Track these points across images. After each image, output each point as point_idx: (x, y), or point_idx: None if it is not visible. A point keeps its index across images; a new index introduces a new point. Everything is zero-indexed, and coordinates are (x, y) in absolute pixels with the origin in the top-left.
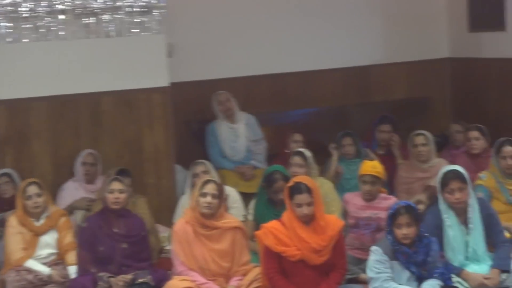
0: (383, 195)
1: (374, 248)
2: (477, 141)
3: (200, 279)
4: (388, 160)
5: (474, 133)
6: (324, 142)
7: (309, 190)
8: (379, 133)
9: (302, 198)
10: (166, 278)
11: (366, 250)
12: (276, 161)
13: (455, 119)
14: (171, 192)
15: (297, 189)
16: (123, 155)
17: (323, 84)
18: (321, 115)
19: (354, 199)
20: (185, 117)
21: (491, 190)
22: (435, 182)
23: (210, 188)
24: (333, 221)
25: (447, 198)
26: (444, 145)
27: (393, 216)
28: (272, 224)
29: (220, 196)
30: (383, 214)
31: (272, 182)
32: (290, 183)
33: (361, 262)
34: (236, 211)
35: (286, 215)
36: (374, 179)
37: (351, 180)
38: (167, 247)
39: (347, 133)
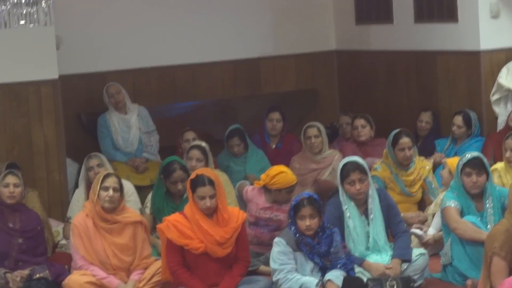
0: None
1: (277, 239)
2: (364, 128)
3: (101, 273)
4: (280, 153)
5: (360, 121)
6: (214, 135)
7: (211, 183)
8: (268, 122)
9: (204, 190)
10: (63, 273)
11: (264, 245)
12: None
13: (343, 110)
14: (62, 186)
15: (200, 181)
16: (12, 149)
17: (212, 77)
18: (211, 108)
19: (257, 198)
20: (75, 110)
21: (385, 181)
22: (324, 175)
23: (111, 182)
24: (236, 213)
25: (348, 189)
26: (334, 136)
27: (296, 207)
28: (175, 217)
29: (121, 189)
30: (283, 217)
31: (170, 172)
32: (192, 176)
33: (260, 254)
34: (132, 204)
35: (188, 208)
36: (296, 185)
37: (239, 173)
38: (62, 242)
39: (233, 132)
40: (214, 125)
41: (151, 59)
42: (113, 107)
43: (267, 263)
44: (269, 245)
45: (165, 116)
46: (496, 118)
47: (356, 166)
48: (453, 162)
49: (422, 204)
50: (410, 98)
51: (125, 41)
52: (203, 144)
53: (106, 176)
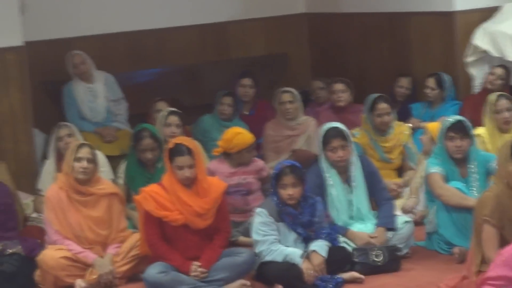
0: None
1: (259, 210)
2: (343, 93)
3: (76, 247)
4: (253, 120)
5: (339, 85)
6: (183, 101)
7: (190, 152)
8: (241, 88)
9: (183, 160)
10: (37, 247)
11: (240, 212)
12: None
13: (315, 75)
14: (30, 157)
15: (178, 151)
16: None
17: (180, 42)
18: (179, 73)
19: (221, 168)
20: (41, 78)
21: (364, 148)
22: (299, 142)
23: (85, 152)
24: (216, 183)
25: (329, 156)
26: (305, 102)
27: (278, 176)
28: (152, 188)
29: (95, 160)
30: (251, 178)
31: (139, 140)
32: (170, 145)
33: (238, 225)
34: (104, 175)
35: (166, 178)
36: (252, 147)
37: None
38: (33, 215)
39: (229, 93)
40: (183, 92)
41: (118, 24)
42: (78, 77)
43: (246, 234)
44: (244, 211)
45: (133, 82)
46: (471, 80)
47: (338, 132)
48: (433, 127)
49: (401, 170)
50: (383, 61)
51: (91, 6)
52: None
53: (79, 146)
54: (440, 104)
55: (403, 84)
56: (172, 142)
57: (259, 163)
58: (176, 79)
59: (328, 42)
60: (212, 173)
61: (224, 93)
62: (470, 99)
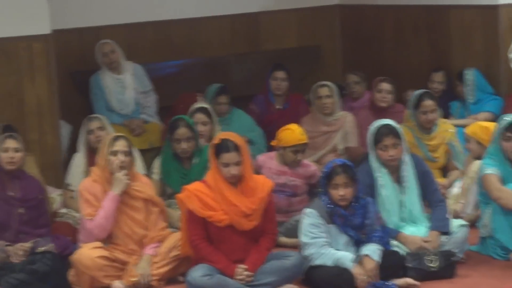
0: (303, 161)
1: (308, 210)
2: (389, 94)
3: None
4: (286, 114)
5: (388, 86)
6: None
7: (237, 148)
8: (273, 81)
9: (229, 157)
10: (70, 245)
11: (281, 213)
12: None
13: (347, 69)
14: (56, 149)
15: (224, 147)
16: (3, 109)
17: (210, 32)
18: (208, 65)
19: (269, 163)
20: (68, 67)
21: (408, 146)
22: (336, 138)
23: (121, 145)
24: (262, 182)
25: (381, 155)
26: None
27: (329, 176)
28: (196, 186)
29: (131, 153)
30: (299, 182)
31: (174, 129)
32: (216, 140)
33: (279, 225)
34: (137, 169)
35: (211, 176)
36: (305, 146)
37: None
38: (62, 210)
39: (221, 90)
40: (208, 84)
41: (147, 13)
42: (107, 67)
43: (287, 234)
44: (286, 212)
45: (160, 74)
46: None
47: (390, 130)
48: (475, 131)
49: (445, 170)
50: (420, 56)
51: None
52: (206, 105)
53: (115, 139)
54: (475, 101)
55: (435, 79)
56: (218, 138)
57: (311, 168)
58: (204, 71)
59: (362, 35)
60: (259, 166)
61: (217, 91)
62: None
